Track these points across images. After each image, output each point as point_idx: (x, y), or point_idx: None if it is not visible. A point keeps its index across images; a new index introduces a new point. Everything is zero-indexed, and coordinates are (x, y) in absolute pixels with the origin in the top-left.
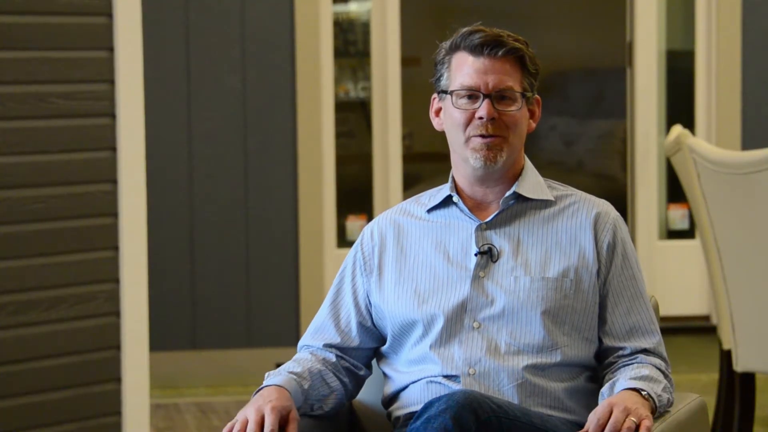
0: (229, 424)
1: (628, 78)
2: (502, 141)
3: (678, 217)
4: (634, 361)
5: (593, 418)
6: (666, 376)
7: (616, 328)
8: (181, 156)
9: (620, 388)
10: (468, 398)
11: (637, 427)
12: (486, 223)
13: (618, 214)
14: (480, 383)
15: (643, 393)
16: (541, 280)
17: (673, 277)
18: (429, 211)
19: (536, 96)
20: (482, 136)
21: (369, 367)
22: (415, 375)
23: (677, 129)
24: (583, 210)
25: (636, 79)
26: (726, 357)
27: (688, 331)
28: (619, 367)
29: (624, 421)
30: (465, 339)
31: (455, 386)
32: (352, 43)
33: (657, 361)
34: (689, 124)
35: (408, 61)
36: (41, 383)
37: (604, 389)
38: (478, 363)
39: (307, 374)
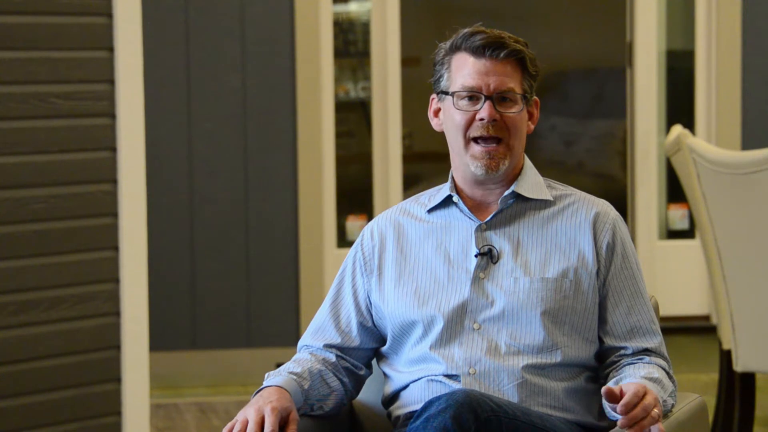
0: (229, 424)
1: (628, 78)
2: (504, 148)
3: (678, 217)
4: (640, 361)
5: (630, 390)
6: (670, 376)
7: (616, 329)
8: (181, 156)
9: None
10: (468, 397)
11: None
12: (485, 223)
13: (617, 213)
14: (480, 383)
15: None
16: (540, 281)
17: (673, 277)
18: (429, 211)
19: (535, 98)
20: (483, 139)
21: (369, 367)
22: (416, 374)
23: (677, 129)
24: (583, 210)
25: (636, 79)
26: (726, 357)
27: (688, 331)
28: (624, 366)
29: (654, 406)
30: (465, 340)
31: (456, 385)
32: (352, 43)
33: (661, 361)
34: (689, 124)
35: (408, 61)
36: (41, 383)
37: (609, 384)
38: (479, 363)
39: (307, 374)
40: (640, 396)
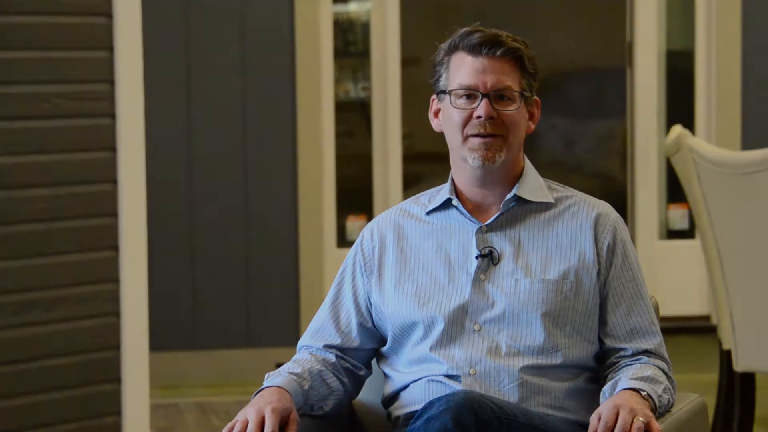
0: (229, 425)
1: (628, 78)
2: (501, 141)
3: (678, 217)
4: (637, 362)
5: (600, 423)
6: (668, 377)
7: (616, 330)
8: (181, 156)
9: (622, 388)
10: (468, 398)
11: (647, 427)
12: (486, 225)
13: (618, 215)
14: (481, 383)
15: (643, 393)
16: (541, 283)
17: (673, 277)
18: (429, 213)
19: (536, 98)
20: (480, 135)
21: (369, 367)
22: (416, 374)
23: (677, 129)
24: (583, 211)
25: (636, 79)
26: (726, 357)
27: (688, 331)
28: (622, 367)
29: (632, 422)
30: (466, 341)
31: (456, 385)
32: (352, 43)
33: (660, 362)
34: (689, 124)
35: (408, 61)
36: (41, 383)
37: (606, 388)
38: (479, 363)
39: (307, 375)
40: (612, 423)
